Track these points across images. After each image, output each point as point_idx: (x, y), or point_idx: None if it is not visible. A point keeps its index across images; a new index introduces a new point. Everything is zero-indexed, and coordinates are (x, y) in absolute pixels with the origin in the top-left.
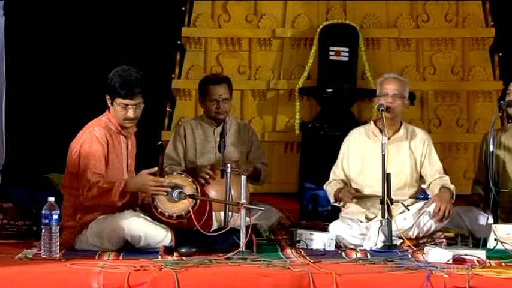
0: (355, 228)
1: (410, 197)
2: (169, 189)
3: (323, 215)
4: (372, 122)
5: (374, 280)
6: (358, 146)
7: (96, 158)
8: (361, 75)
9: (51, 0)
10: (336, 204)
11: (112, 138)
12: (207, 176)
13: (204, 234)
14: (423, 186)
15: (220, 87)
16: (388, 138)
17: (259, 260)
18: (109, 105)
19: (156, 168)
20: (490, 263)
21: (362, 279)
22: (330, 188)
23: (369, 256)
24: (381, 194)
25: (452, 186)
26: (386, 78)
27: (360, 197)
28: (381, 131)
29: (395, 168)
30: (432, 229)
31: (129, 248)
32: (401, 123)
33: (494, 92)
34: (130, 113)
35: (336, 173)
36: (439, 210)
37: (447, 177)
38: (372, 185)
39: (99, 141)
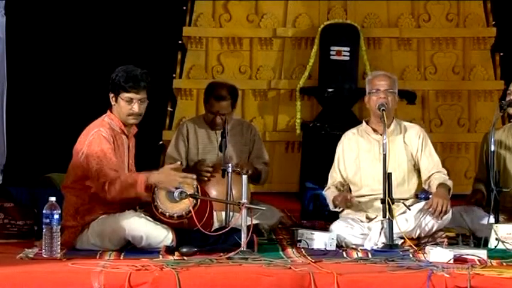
0: (356, 228)
1: (411, 194)
2: (195, 183)
3: (324, 214)
4: (364, 122)
5: (375, 280)
6: (352, 146)
7: (108, 155)
8: (362, 74)
9: (52, 0)
10: (336, 209)
11: (116, 139)
12: (208, 174)
13: (205, 234)
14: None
15: (220, 104)
16: (381, 134)
17: (260, 260)
18: (113, 103)
19: (178, 163)
20: (491, 262)
21: (363, 279)
22: (329, 194)
23: (370, 256)
24: (379, 192)
25: (449, 182)
26: (375, 75)
27: (357, 201)
28: (374, 129)
29: (392, 164)
30: (434, 229)
31: (130, 248)
32: (393, 120)
33: (495, 91)
34: (135, 108)
35: (334, 176)
36: (435, 205)
37: (445, 172)
38: (370, 184)
39: (107, 139)
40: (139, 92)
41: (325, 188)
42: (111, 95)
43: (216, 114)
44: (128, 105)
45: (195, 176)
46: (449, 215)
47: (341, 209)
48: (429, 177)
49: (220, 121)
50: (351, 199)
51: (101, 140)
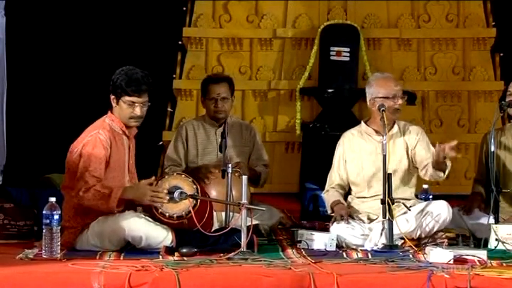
0: (357, 229)
1: (412, 194)
2: (166, 199)
3: (324, 215)
4: (363, 123)
5: (375, 280)
6: (353, 147)
7: (97, 161)
8: (362, 75)
9: (53, 1)
10: (333, 215)
11: (116, 140)
12: (212, 177)
13: (205, 234)
14: (424, 186)
15: (219, 86)
16: (382, 136)
17: (260, 260)
18: (114, 105)
19: (153, 178)
20: (491, 263)
21: (363, 280)
22: (328, 197)
23: (369, 256)
24: (381, 193)
25: (448, 162)
26: (387, 77)
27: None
28: (376, 131)
29: (393, 165)
30: (434, 229)
31: (130, 248)
32: (394, 122)
33: (495, 92)
34: (137, 111)
35: (332, 177)
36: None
37: None
38: (372, 185)
39: (102, 144)
40: (141, 96)
41: (324, 191)
42: (112, 97)
43: (216, 101)
44: (130, 109)
45: (166, 191)
46: (449, 216)
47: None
48: (426, 164)
49: (222, 108)
50: (347, 212)
51: (96, 144)
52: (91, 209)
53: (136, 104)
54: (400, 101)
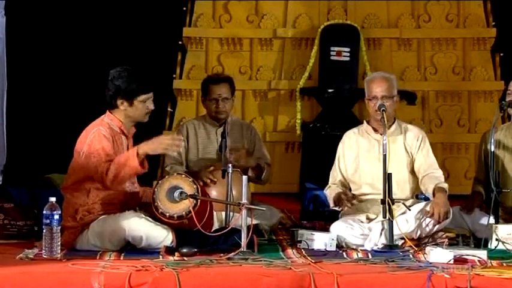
0: (356, 228)
1: (412, 193)
2: (181, 146)
3: (324, 215)
4: (365, 122)
5: (375, 280)
6: (353, 145)
7: (108, 152)
8: (362, 75)
9: (52, 0)
10: (336, 208)
11: (115, 139)
12: (209, 181)
13: (205, 234)
14: None
15: (220, 86)
16: (381, 134)
17: (261, 260)
18: (123, 108)
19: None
20: (491, 263)
21: (363, 280)
22: (329, 192)
23: (370, 256)
24: (379, 192)
25: (445, 185)
26: (372, 79)
27: (359, 201)
28: (375, 129)
29: (392, 164)
30: (434, 229)
31: (130, 248)
32: (394, 120)
33: (495, 92)
34: (151, 105)
35: (334, 174)
36: (435, 214)
37: (440, 172)
38: (369, 183)
39: (107, 138)
40: (152, 90)
41: (326, 187)
42: (120, 101)
43: (217, 101)
44: (145, 106)
45: (181, 137)
46: (449, 215)
47: (340, 208)
48: (423, 177)
49: (223, 109)
50: (353, 199)
51: (101, 138)
52: (93, 208)
53: (150, 99)
54: (379, 102)
